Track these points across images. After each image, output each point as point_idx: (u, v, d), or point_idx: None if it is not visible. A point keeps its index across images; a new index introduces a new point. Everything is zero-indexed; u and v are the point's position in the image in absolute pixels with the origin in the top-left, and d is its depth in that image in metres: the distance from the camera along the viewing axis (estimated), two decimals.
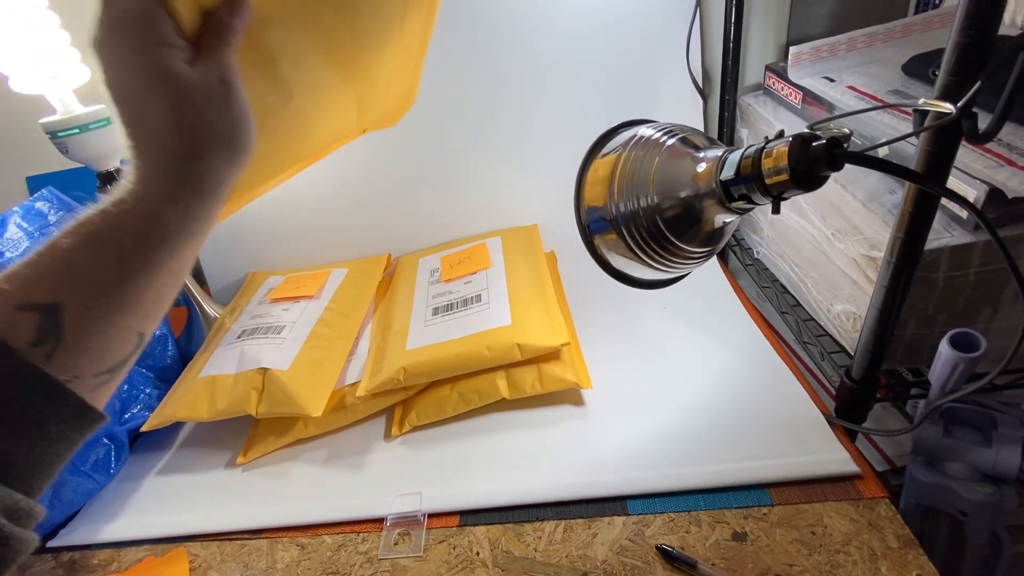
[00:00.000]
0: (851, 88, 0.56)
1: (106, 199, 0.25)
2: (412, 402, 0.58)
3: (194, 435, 0.64)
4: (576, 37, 0.72)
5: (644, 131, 0.36)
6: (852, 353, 0.52)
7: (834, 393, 0.52)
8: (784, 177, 0.27)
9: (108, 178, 0.62)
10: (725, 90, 0.73)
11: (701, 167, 0.32)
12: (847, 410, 0.49)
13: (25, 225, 0.59)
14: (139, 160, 0.25)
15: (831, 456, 0.46)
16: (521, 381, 0.56)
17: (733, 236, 0.77)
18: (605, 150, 0.38)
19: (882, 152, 0.48)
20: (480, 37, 0.72)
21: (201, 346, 0.70)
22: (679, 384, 0.56)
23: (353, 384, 0.60)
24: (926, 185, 0.32)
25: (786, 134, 0.29)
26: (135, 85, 0.25)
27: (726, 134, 0.76)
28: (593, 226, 0.39)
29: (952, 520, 0.52)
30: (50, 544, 0.52)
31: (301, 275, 0.75)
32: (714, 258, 0.74)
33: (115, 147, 0.62)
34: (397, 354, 0.58)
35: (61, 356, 0.24)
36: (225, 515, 0.52)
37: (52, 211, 0.61)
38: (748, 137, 0.72)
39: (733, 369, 0.57)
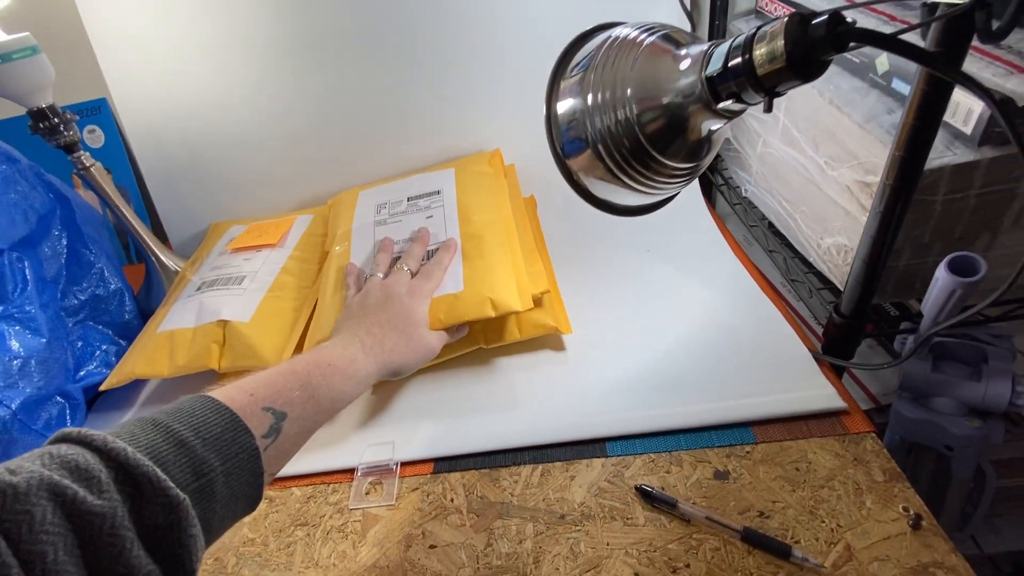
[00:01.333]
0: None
1: (340, 356, 0.41)
2: None
3: (157, 393, 0.61)
4: None
5: (620, 31, 0.32)
6: (841, 288, 0.50)
7: (821, 331, 0.50)
8: (779, 64, 0.23)
9: (40, 115, 0.57)
10: (715, 15, 0.68)
11: (684, 64, 0.28)
12: (835, 346, 0.48)
13: None
14: (371, 351, 0.43)
15: (817, 392, 0.44)
16: (499, 328, 0.53)
17: (721, 175, 0.73)
18: (577, 58, 0.34)
19: (880, 68, 0.44)
20: None
21: (162, 301, 0.66)
22: (662, 326, 0.54)
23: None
24: (945, 71, 0.29)
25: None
26: (408, 333, 0.46)
27: None
28: (568, 147, 0.35)
29: (937, 455, 0.52)
30: None
31: (264, 223, 0.70)
32: (701, 199, 0.71)
33: (43, 80, 0.56)
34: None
35: (271, 452, 0.31)
36: None
37: None
38: None
39: (718, 309, 0.55)
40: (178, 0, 0.67)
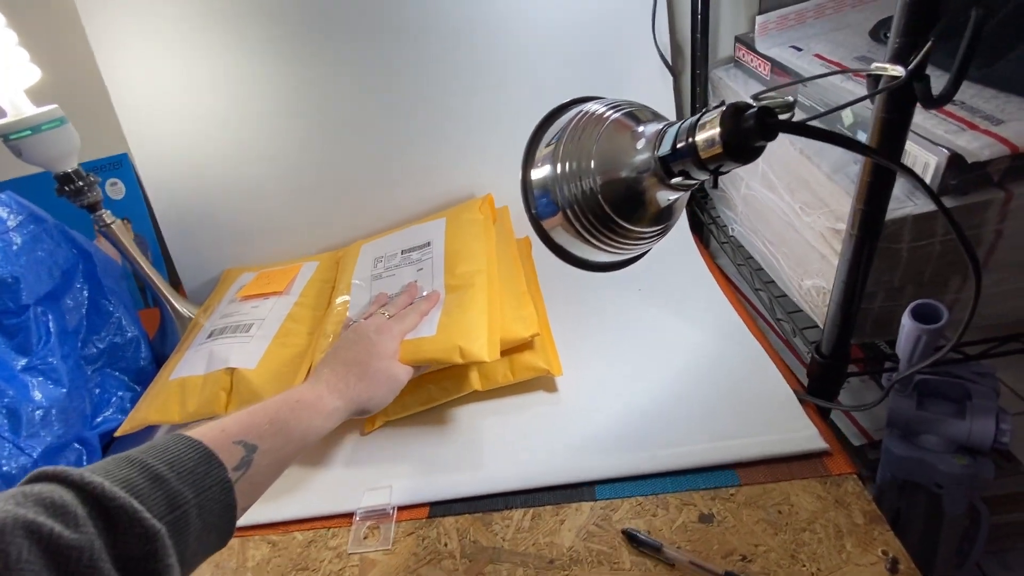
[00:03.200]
0: (818, 56, 0.54)
1: (307, 393, 0.43)
2: None
3: None
4: (538, 14, 0.70)
5: (590, 107, 0.35)
6: (823, 328, 0.51)
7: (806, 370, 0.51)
8: (717, 150, 0.26)
9: (65, 180, 0.61)
10: (696, 64, 0.72)
11: (640, 143, 0.31)
12: (819, 386, 0.49)
13: None
14: (336, 388, 0.45)
15: (799, 433, 0.45)
16: (493, 372, 0.55)
17: (709, 214, 0.76)
18: (552, 129, 0.37)
19: (847, 120, 0.46)
20: (442, 17, 0.70)
21: (175, 347, 0.70)
22: (651, 366, 0.56)
23: None
24: (866, 151, 0.31)
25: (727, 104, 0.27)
26: (372, 368, 0.48)
27: (698, 110, 0.74)
28: (542, 210, 0.37)
29: (929, 493, 0.52)
30: None
31: (272, 271, 0.74)
32: (691, 238, 0.73)
33: (70, 148, 0.61)
34: None
35: (243, 484, 0.33)
36: None
37: (11, 215, 0.60)
38: None
39: (705, 349, 0.56)
40: (194, 64, 0.73)
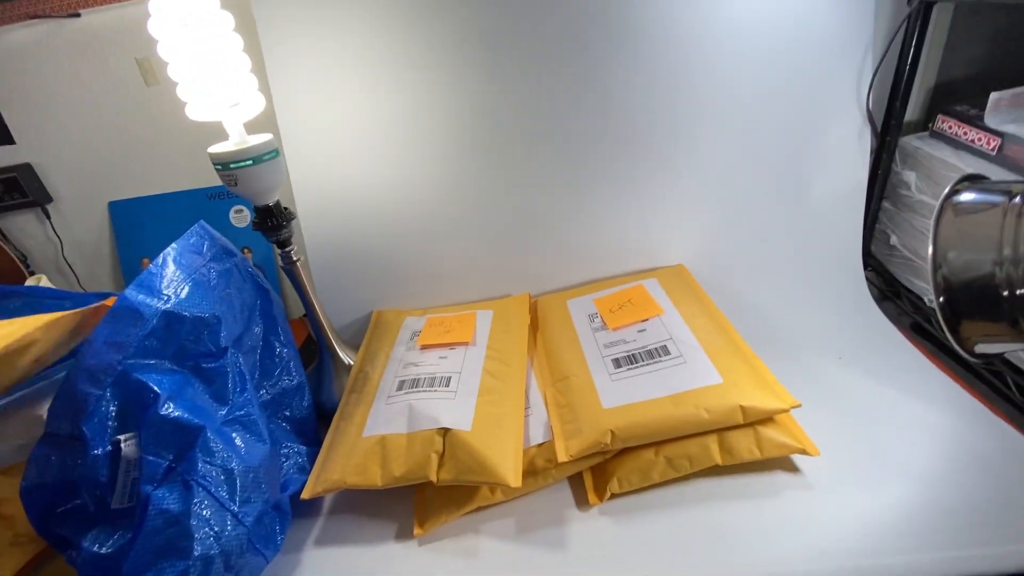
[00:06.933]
0: None
1: None
2: (609, 466, 0.53)
3: (342, 498, 0.57)
4: (738, 65, 0.69)
5: None
6: None
7: None
8: None
9: (267, 213, 0.57)
10: (887, 131, 0.71)
11: None
12: None
13: (183, 261, 0.53)
14: None
15: None
16: (736, 446, 0.51)
17: (900, 285, 0.74)
18: (966, 200, 0.34)
19: None
20: (627, 62, 0.68)
21: (338, 395, 0.64)
22: (891, 454, 0.52)
23: (540, 445, 0.54)
24: None
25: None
26: None
27: (880, 176, 0.74)
28: (964, 306, 0.34)
29: None
30: None
31: (444, 317, 0.69)
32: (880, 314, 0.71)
33: (278, 181, 0.57)
34: (594, 413, 0.53)
35: None
36: None
37: (208, 247, 0.55)
38: (916, 181, 0.69)
39: (949, 433, 0.53)
40: (362, 97, 0.70)
